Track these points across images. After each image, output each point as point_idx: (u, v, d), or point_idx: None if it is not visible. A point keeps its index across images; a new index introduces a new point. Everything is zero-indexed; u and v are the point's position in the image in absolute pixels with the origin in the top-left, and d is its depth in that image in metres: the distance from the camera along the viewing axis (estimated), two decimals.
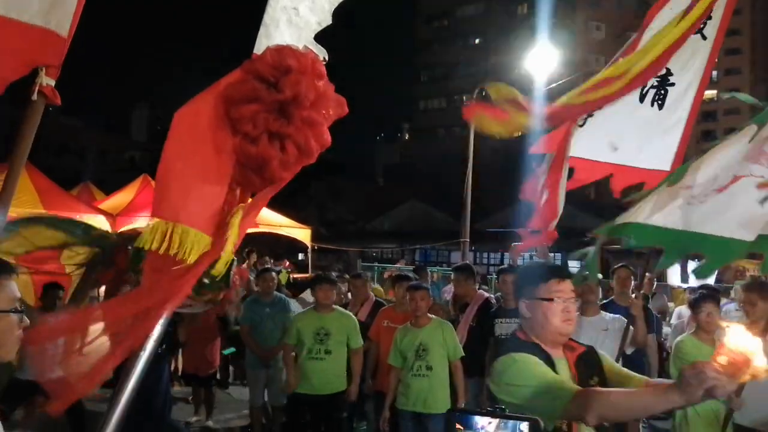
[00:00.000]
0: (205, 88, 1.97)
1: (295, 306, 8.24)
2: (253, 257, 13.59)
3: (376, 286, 11.38)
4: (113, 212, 14.41)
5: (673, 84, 4.43)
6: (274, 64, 1.95)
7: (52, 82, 1.92)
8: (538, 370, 2.51)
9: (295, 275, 14.19)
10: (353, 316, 6.36)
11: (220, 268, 1.95)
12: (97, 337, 1.80)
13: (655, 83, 4.39)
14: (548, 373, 2.51)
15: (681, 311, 9.12)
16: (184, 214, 1.88)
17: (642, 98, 4.41)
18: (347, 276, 10.00)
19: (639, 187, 4.47)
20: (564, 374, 2.61)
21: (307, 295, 9.60)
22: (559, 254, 29.16)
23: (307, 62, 1.98)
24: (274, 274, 7.93)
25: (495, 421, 2.07)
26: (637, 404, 2.28)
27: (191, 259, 1.84)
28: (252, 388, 7.54)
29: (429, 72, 62.87)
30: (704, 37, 4.36)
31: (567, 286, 2.73)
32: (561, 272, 2.79)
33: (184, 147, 1.91)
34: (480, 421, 2.09)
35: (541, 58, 16.88)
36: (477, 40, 60.35)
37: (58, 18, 1.93)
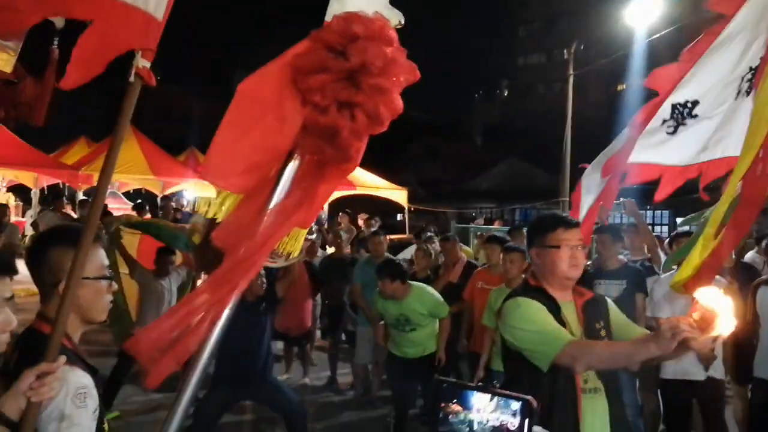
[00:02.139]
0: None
1: None
2: (345, 219, 13.69)
3: (466, 247, 11.29)
4: None
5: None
6: (341, 31, 1.92)
7: (148, 64, 1.98)
8: (538, 316, 2.77)
9: (392, 237, 14.32)
10: (430, 291, 6.22)
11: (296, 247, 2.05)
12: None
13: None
14: (546, 319, 2.75)
15: (754, 257, 8.79)
16: (239, 185, 1.97)
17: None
18: (435, 237, 9.98)
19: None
20: (570, 317, 2.86)
21: (405, 254, 9.73)
22: (667, 212, 28.07)
23: (374, 28, 1.93)
24: (382, 237, 8.04)
25: (492, 401, 2.07)
26: (618, 354, 2.54)
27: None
28: (359, 346, 7.79)
29: (528, 26, 61.08)
30: None
31: (574, 234, 2.94)
32: (568, 221, 3.01)
33: (246, 119, 1.93)
34: (475, 400, 2.09)
35: (643, 9, 16.03)
36: None
37: (155, 1, 1.99)
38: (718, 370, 5.20)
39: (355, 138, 1.96)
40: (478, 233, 13.84)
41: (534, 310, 2.80)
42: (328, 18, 2.00)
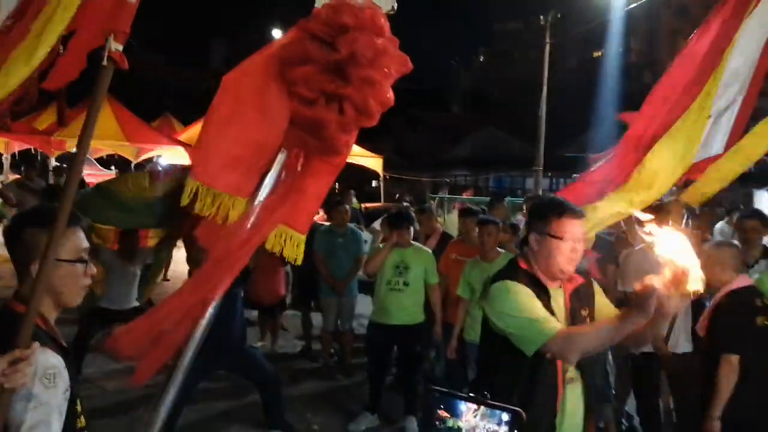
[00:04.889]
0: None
1: (366, 236, 8.39)
2: None
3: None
4: (191, 143, 14.73)
5: None
6: (329, 21, 1.85)
7: (120, 48, 1.93)
8: (528, 303, 2.65)
9: (367, 205, 14.30)
10: (430, 252, 6.42)
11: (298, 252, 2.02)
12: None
13: None
14: (536, 307, 2.65)
15: (723, 228, 9.02)
16: (221, 180, 1.91)
17: None
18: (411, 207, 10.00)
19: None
20: (558, 305, 2.76)
21: (379, 224, 9.75)
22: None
23: (365, 18, 1.87)
24: (347, 206, 8.09)
25: (479, 409, 2.06)
26: (605, 334, 2.46)
27: (231, 220, 1.89)
28: (325, 315, 7.93)
29: None
30: None
31: (580, 226, 2.75)
32: (576, 211, 2.78)
33: (229, 112, 1.89)
34: (464, 408, 2.08)
35: None
36: None
37: None
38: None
39: (342, 131, 1.91)
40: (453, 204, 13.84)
41: (524, 296, 2.68)
42: (318, 4, 1.94)
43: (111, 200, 4.41)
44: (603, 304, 2.97)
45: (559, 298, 2.80)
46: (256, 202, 1.95)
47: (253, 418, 6.11)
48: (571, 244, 2.71)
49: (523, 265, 2.84)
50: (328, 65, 1.85)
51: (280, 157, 1.97)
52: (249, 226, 1.92)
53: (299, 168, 2.01)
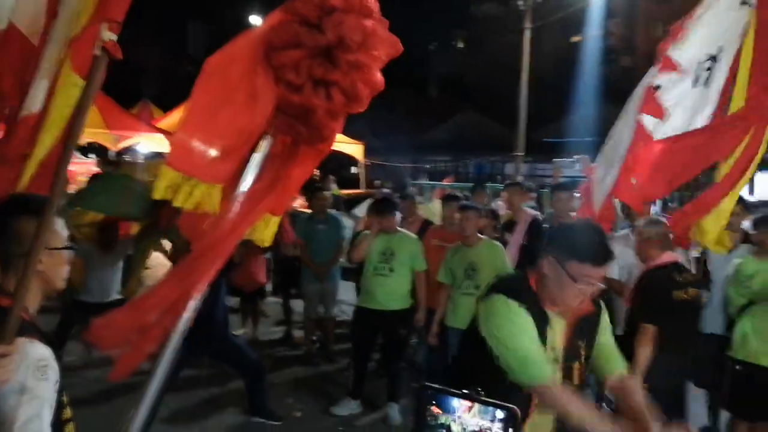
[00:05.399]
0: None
1: (347, 222, 8.38)
2: None
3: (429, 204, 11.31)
4: (171, 130, 14.56)
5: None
6: (316, 3, 1.79)
7: (114, 38, 1.89)
8: (524, 336, 2.56)
9: (347, 191, 14.25)
10: (417, 239, 6.45)
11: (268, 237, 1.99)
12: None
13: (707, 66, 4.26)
14: (531, 343, 2.56)
15: None
16: (203, 170, 1.85)
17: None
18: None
19: None
20: (554, 332, 2.66)
21: (359, 210, 9.74)
22: None
23: None
24: (327, 193, 8.05)
25: (473, 407, 2.02)
26: (579, 419, 2.43)
27: (210, 209, 1.85)
28: (307, 302, 7.93)
29: None
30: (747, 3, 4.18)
31: (599, 272, 2.60)
32: (602, 257, 2.60)
33: (212, 98, 1.83)
34: (457, 405, 2.04)
35: None
36: None
37: None
38: None
39: (330, 118, 1.86)
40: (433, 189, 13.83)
41: (522, 326, 2.57)
42: None
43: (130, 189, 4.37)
44: (603, 342, 2.85)
45: (557, 326, 2.68)
46: (239, 191, 1.90)
47: (236, 405, 6.12)
48: (583, 286, 2.57)
49: (532, 281, 2.72)
50: (316, 49, 1.80)
51: (266, 145, 1.92)
52: (234, 216, 1.87)
53: (283, 155, 1.97)
